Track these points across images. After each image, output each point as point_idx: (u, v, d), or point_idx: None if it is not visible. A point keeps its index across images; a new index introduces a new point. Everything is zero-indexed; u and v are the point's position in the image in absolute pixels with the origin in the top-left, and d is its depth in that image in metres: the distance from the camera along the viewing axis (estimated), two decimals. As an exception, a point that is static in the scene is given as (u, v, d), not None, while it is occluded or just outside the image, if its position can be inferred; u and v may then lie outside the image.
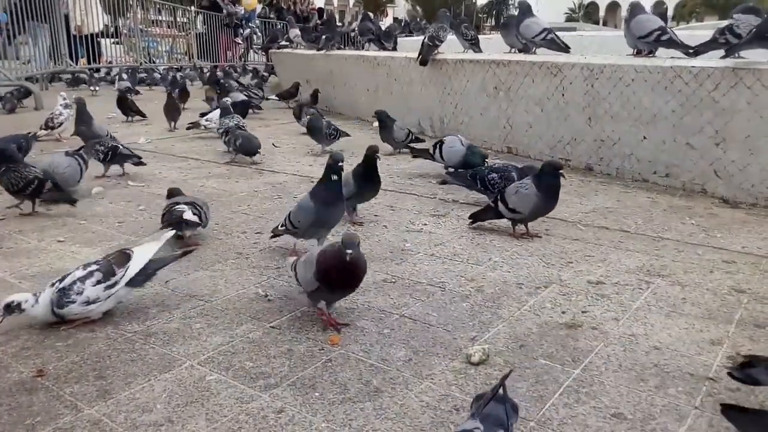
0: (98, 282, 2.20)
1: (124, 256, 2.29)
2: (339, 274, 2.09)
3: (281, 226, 2.91)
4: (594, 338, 2.16)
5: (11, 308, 2.12)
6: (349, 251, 1.98)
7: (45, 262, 2.85)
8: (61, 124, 5.90)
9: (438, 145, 4.46)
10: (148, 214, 3.65)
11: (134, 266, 2.27)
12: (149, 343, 2.11)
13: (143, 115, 7.59)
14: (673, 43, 4.45)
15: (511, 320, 2.30)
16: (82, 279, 2.18)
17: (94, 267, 2.23)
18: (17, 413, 1.71)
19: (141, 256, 2.31)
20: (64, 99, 5.99)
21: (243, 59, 16.11)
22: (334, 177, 2.73)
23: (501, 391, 1.38)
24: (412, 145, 5.52)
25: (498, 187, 3.61)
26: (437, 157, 4.47)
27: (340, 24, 17.13)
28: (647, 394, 1.82)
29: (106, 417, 1.69)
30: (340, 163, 2.73)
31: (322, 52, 8.73)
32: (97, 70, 12.68)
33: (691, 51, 4.35)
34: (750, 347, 2.10)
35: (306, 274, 2.18)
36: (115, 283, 2.23)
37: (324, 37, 8.88)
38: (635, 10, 4.70)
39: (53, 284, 2.19)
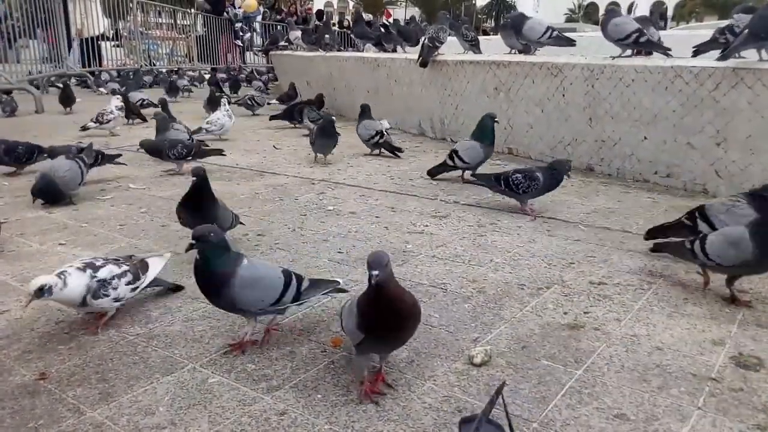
0: (128, 283, 2.24)
1: (144, 264, 2.34)
2: (370, 311, 1.71)
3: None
4: (596, 339, 2.16)
5: (43, 291, 2.06)
6: (375, 272, 1.60)
7: (47, 266, 2.85)
8: (109, 121, 6.54)
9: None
10: (150, 217, 3.65)
11: (150, 276, 2.35)
12: (151, 346, 2.11)
13: (144, 119, 7.61)
14: (651, 44, 4.51)
15: (513, 321, 2.30)
16: (119, 276, 2.21)
17: (126, 267, 2.26)
18: (20, 416, 1.71)
19: (154, 268, 2.38)
20: (119, 100, 6.77)
21: (242, 60, 16.15)
22: None
23: (497, 408, 1.33)
24: (397, 152, 5.48)
25: (522, 188, 3.58)
26: None
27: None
28: (650, 395, 1.82)
29: (109, 420, 1.69)
30: None
31: (322, 53, 8.74)
32: (100, 73, 12.71)
33: (669, 52, 4.41)
34: (752, 347, 2.09)
35: (348, 323, 1.82)
36: (137, 288, 2.29)
37: (325, 38, 8.90)
38: (610, 14, 4.75)
39: (81, 268, 2.15)
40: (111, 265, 2.23)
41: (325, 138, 5.20)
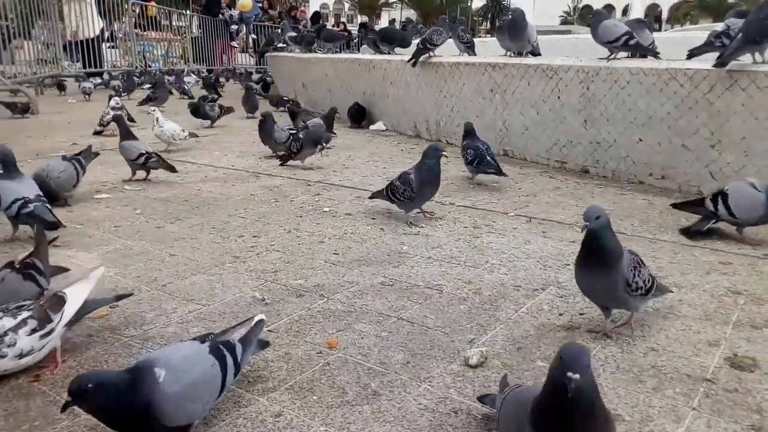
0: (33, 331, 1.90)
1: (59, 300, 2.03)
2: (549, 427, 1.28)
3: None
4: (591, 340, 2.17)
5: None
6: (574, 375, 1.17)
7: (41, 267, 2.84)
8: (108, 123, 6.51)
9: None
10: (145, 218, 3.64)
11: (70, 310, 2.03)
12: (146, 348, 2.10)
13: (132, 120, 7.60)
14: (640, 48, 4.54)
15: (509, 322, 2.30)
16: (14, 329, 1.87)
17: (26, 314, 1.92)
18: (14, 419, 1.70)
19: (76, 298, 2.07)
20: (116, 102, 6.73)
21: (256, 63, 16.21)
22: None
23: None
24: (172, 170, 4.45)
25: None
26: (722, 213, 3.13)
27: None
28: (645, 396, 1.82)
29: (104, 422, 1.68)
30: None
31: (318, 55, 8.77)
32: (99, 74, 12.65)
33: (659, 55, 4.45)
34: (747, 348, 2.10)
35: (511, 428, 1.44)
36: (51, 331, 1.95)
37: (322, 39, 8.95)
38: (599, 16, 4.75)
39: None
40: (6, 318, 1.89)
41: (429, 187, 3.54)
